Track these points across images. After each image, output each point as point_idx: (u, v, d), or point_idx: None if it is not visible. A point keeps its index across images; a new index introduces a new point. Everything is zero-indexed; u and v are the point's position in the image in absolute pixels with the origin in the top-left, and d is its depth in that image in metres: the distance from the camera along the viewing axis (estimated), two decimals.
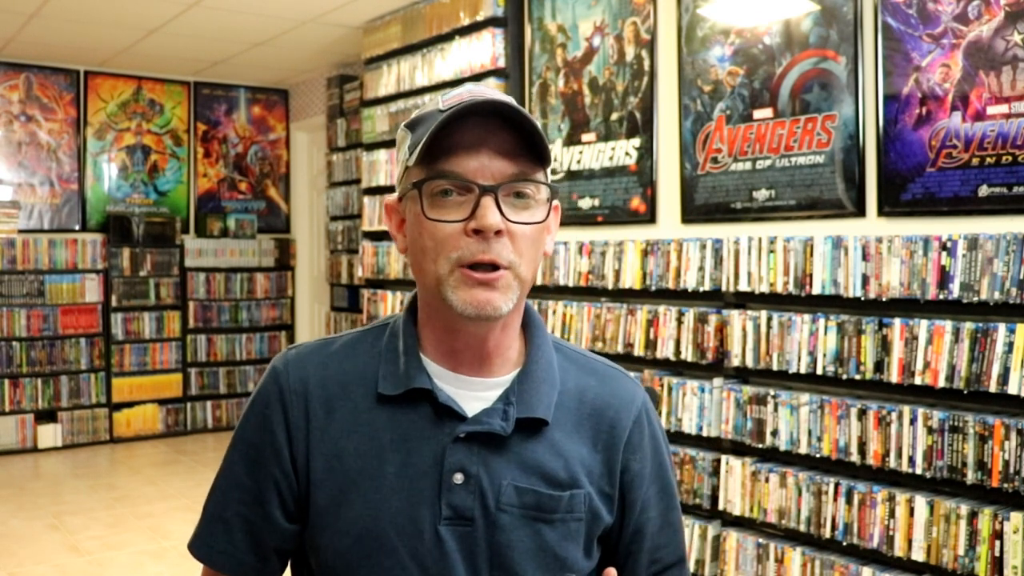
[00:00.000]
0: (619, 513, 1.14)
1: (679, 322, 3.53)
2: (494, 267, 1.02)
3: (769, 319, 3.20)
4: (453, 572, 1.04)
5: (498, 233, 1.01)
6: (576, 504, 1.09)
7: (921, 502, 2.75)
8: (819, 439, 3.03)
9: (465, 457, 1.05)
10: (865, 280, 2.94)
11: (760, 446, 3.22)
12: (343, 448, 1.07)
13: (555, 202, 1.09)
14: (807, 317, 3.09)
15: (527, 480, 1.07)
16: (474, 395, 1.09)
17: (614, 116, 4.06)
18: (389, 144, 5.31)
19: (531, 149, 1.04)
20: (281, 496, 1.09)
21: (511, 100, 1.05)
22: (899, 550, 2.79)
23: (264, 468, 1.09)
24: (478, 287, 1.01)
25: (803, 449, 3.08)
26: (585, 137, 4.19)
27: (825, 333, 3.02)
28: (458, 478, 1.05)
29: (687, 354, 3.51)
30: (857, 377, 2.94)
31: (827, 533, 2.99)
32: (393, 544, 1.04)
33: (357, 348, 1.13)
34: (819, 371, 3.04)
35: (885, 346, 2.86)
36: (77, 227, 6.91)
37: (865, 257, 2.95)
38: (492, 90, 1.07)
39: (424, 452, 1.06)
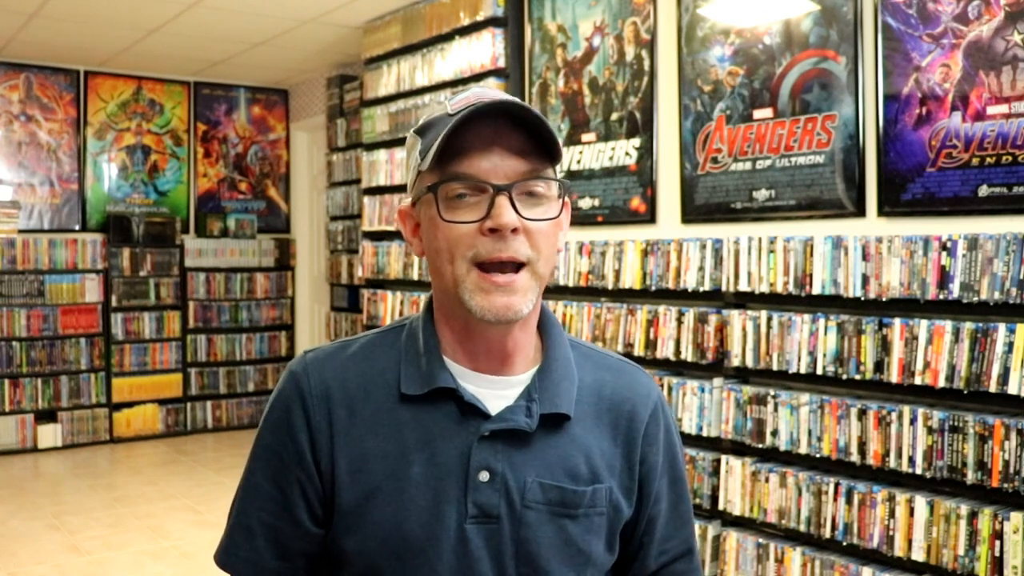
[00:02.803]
0: (636, 504, 1.16)
1: (679, 322, 3.53)
2: (512, 267, 1.03)
3: (769, 319, 3.20)
4: (480, 569, 1.05)
5: (514, 231, 1.02)
6: (599, 499, 1.10)
7: (921, 502, 2.75)
8: (819, 439, 3.03)
9: (490, 455, 1.06)
10: (865, 280, 2.94)
11: (760, 446, 3.22)
12: (367, 450, 1.07)
13: (566, 199, 1.10)
14: (807, 317, 3.09)
15: (551, 476, 1.08)
16: (495, 393, 1.09)
17: (614, 116, 4.06)
18: (389, 144, 5.31)
19: (541, 147, 1.05)
20: (307, 499, 1.09)
21: (517, 100, 1.06)
22: (899, 550, 2.79)
23: (287, 473, 1.09)
24: (496, 292, 1.02)
25: (803, 449, 3.08)
26: (585, 137, 4.19)
27: (825, 333, 3.02)
28: (483, 476, 1.06)
29: (687, 354, 3.51)
30: (857, 377, 2.93)
31: (827, 533, 2.99)
32: (420, 544, 1.05)
33: (375, 350, 1.14)
34: (819, 371, 3.04)
35: (885, 346, 2.86)
36: (77, 227, 6.91)
37: (865, 257, 2.95)
38: (497, 91, 1.08)
39: (449, 451, 1.06)
